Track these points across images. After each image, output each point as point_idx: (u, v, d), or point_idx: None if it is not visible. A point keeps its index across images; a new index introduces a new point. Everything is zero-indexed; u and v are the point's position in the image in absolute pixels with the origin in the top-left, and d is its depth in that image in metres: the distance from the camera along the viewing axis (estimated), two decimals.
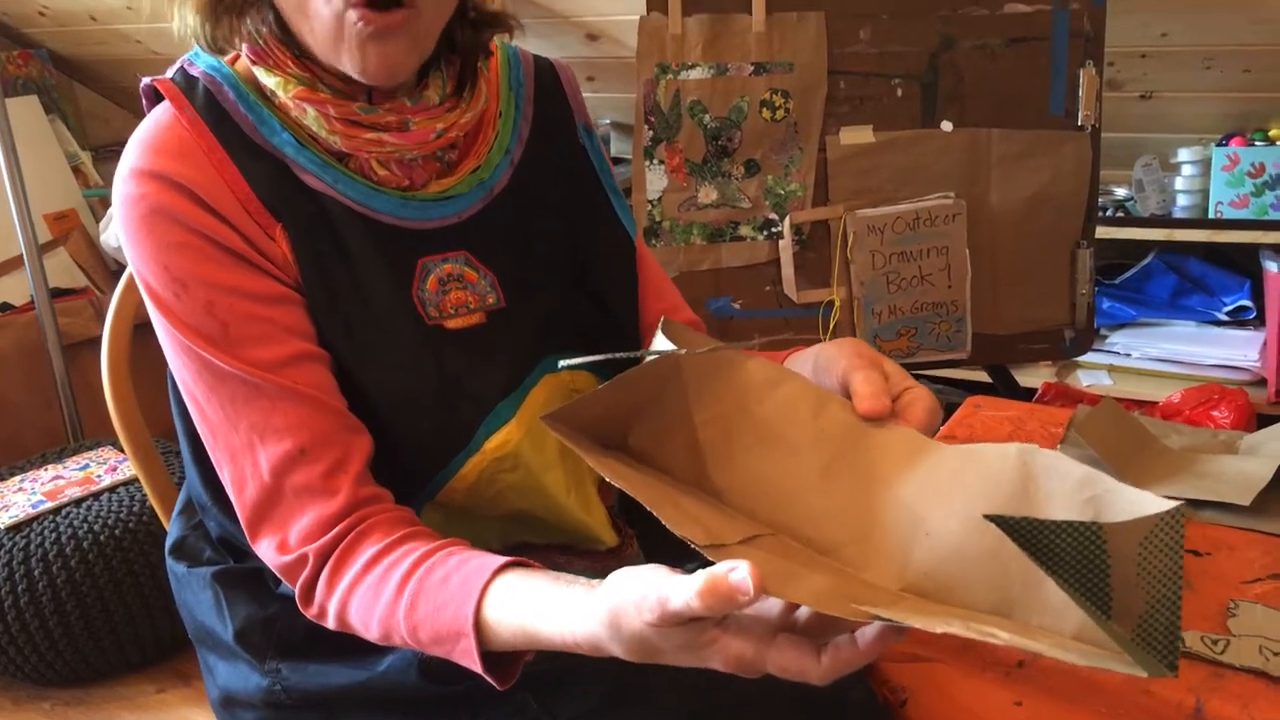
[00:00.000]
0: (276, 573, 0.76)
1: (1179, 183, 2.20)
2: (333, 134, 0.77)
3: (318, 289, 0.77)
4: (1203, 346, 2.20)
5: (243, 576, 0.89)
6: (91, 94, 3.47)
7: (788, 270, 1.78)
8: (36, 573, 1.71)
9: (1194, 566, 0.96)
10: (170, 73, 0.80)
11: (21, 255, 2.39)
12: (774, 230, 1.78)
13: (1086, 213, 1.76)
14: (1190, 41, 2.01)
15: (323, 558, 0.74)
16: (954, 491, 0.60)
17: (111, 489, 1.91)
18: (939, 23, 1.70)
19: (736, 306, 1.79)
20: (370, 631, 0.72)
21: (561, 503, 0.85)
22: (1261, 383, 2.14)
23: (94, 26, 3.07)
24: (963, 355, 1.80)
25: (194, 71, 0.79)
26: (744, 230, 1.79)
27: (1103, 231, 2.11)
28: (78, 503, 1.85)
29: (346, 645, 0.79)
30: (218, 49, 0.78)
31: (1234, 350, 2.17)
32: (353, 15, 0.70)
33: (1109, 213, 2.27)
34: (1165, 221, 2.18)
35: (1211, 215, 2.13)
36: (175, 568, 0.94)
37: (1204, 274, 2.28)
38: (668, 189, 1.76)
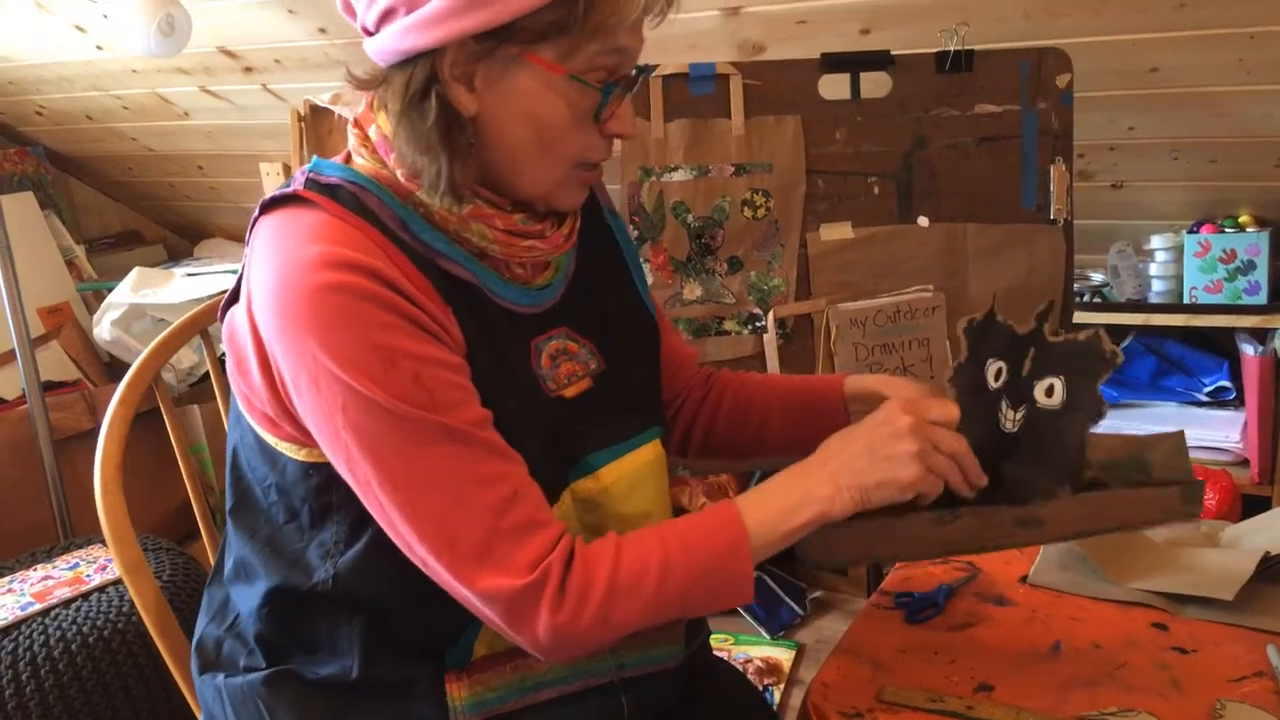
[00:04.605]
0: (509, 607, 0.79)
1: (1153, 268, 2.23)
2: (494, 243, 0.86)
3: (478, 365, 0.83)
4: (1185, 428, 2.20)
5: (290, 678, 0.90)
6: (86, 189, 3.52)
7: (772, 363, 1.81)
8: (24, 677, 1.69)
9: (1179, 664, 0.96)
10: (294, 186, 0.84)
11: (14, 349, 2.40)
12: (758, 325, 1.82)
13: (1063, 303, 1.80)
14: (1156, 134, 2.06)
15: (565, 560, 0.80)
16: None
17: (101, 589, 1.90)
18: (912, 123, 1.76)
19: None
20: (646, 579, 0.81)
21: None
22: (1244, 463, 2.16)
23: (90, 125, 3.13)
24: None
25: (328, 180, 0.84)
26: (729, 325, 1.82)
27: (1080, 316, 2.14)
28: (66, 604, 1.84)
29: None
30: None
31: (1216, 431, 2.19)
32: (576, 177, 0.88)
33: (1086, 298, 2.30)
34: (1142, 306, 2.21)
35: (1186, 300, 2.16)
36: (213, 681, 0.94)
37: (1182, 355, 2.31)
38: (653, 286, 1.80)
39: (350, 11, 0.86)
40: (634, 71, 0.87)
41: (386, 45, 0.81)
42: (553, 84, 0.81)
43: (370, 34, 0.84)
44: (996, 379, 0.90)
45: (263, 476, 0.88)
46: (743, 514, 0.84)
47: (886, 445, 0.85)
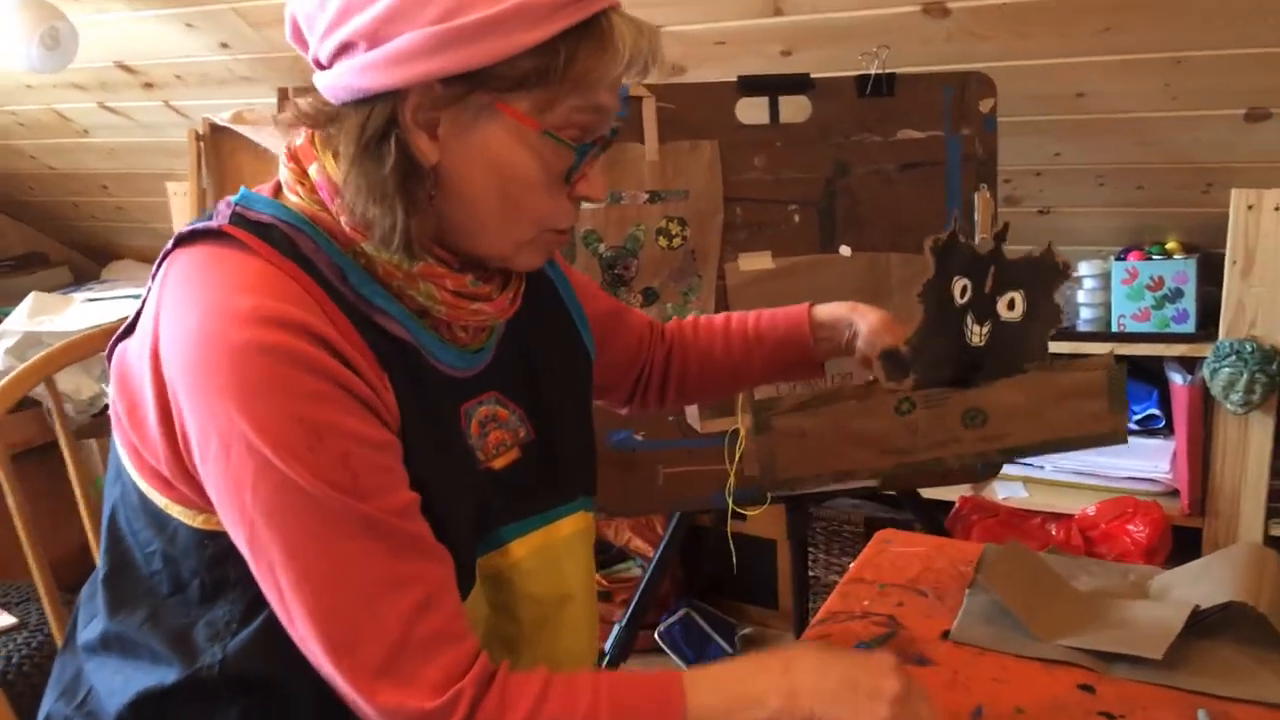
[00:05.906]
0: None
1: (1081, 295, 2.21)
2: (441, 304, 0.80)
3: (412, 437, 0.77)
4: (1115, 457, 2.19)
5: None
6: None
7: None
8: None
9: None
10: (218, 220, 0.76)
11: None
12: None
13: None
14: (1083, 160, 2.06)
15: (479, 683, 0.72)
16: None
17: None
18: (833, 149, 1.72)
19: (639, 438, 1.74)
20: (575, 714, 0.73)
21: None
22: (1174, 494, 2.14)
23: None
24: (873, 483, 1.77)
25: (258, 216, 0.76)
26: None
27: None
28: None
29: None
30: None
31: (1146, 461, 2.17)
32: (543, 240, 0.83)
33: None
34: (1070, 334, 2.18)
35: (1114, 328, 2.14)
36: None
37: None
38: None
39: (301, 42, 0.78)
40: (609, 132, 0.81)
41: (340, 81, 0.74)
42: (525, 138, 0.76)
43: (323, 68, 0.76)
44: (962, 295, 0.95)
45: (145, 541, 0.79)
46: (686, 693, 0.76)
47: (859, 696, 0.76)
